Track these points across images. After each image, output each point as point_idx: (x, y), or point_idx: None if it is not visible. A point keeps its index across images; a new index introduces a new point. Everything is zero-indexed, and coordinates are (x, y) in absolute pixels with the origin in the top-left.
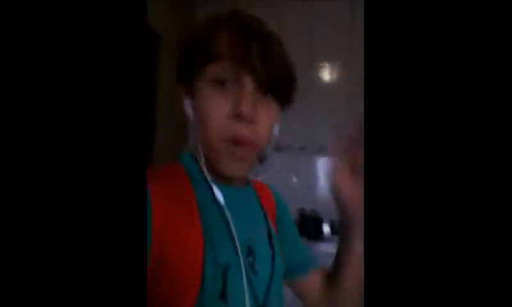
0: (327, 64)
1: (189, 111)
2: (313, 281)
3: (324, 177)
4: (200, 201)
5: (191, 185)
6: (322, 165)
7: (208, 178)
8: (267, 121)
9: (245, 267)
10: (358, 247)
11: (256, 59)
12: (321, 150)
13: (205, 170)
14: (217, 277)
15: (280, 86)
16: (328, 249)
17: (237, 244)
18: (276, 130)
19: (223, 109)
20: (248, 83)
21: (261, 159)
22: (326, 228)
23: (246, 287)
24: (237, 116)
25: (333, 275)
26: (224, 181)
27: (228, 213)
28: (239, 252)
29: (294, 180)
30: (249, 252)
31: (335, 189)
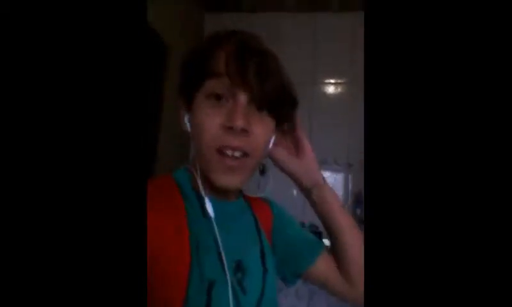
0: (331, 79)
1: (187, 125)
2: (323, 266)
3: None
4: (190, 216)
5: (182, 199)
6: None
7: (201, 190)
8: (261, 134)
9: (232, 283)
10: (338, 211)
11: (252, 78)
12: (324, 164)
13: (199, 182)
14: (201, 293)
15: (275, 103)
16: None
17: (224, 260)
18: (271, 143)
19: (216, 120)
20: (243, 99)
21: (262, 171)
22: (326, 242)
23: (231, 304)
24: (230, 128)
25: (334, 251)
26: (216, 195)
27: (215, 228)
28: (226, 268)
29: (294, 193)
30: (238, 268)
31: (277, 164)
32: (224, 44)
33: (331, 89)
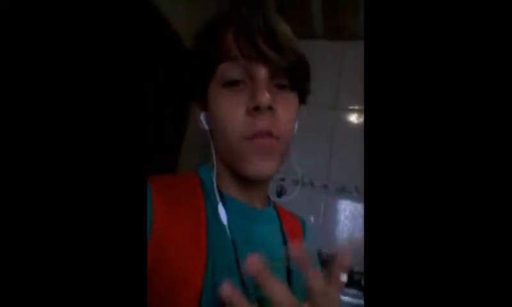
0: (355, 107)
1: (204, 123)
2: None
3: (344, 220)
4: (210, 216)
5: (203, 197)
6: (343, 208)
7: (215, 188)
8: (286, 113)
9: (250, 299)
10: None
11: (267, 50)
12: (342, 191)
13: (214, 182)
14: (215, 300)
15: (294, 74)
16: (342, 301)
17: (242, 275)
18: (296, 127)
19: (240, 106)
20: (261, 74)
21: (279, 193)
22: (343, 277)
23: None
24: (256, 109)
25: None
26: (243, 196)
27: (234, 233)
28: (245, 284)
29: (312, 219)
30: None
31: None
32: (229, 24)
33: (354, 116)
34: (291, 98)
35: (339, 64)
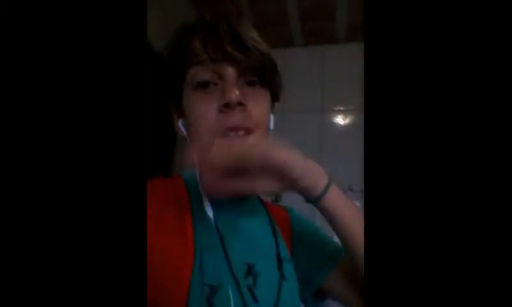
0: (340, 108)
1: (182, 129)
2: (336, 282)
3: None
4: (196, 215)
5: (188, 197)
6: None
7: (200, 188)
8: (258, 108)
9: (241, 289)
10: (349, 222)
11: (234, 51)
12: None
13: (198, 179)
14: (201, 300)
15: (262, 71)
16: None
17: (231, 262)
18: (271, 123)
19: (211, 105)
20: (230, 74)
21: (275, 200)
22: None
23: None
24: (226, 106)
25: (350, 265)
26: None
27: (218, 228)
28: (233, 270)
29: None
30: (249, 272)
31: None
32: (196, 31)
33: (340, 117)
34: (261, 93)
35: (320, 68)
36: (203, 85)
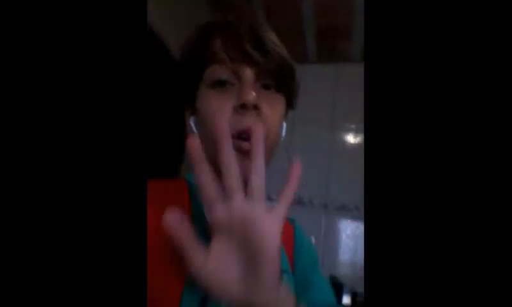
0: (351, 125)
1: (193, 127)
2: None
3: (345, 240)
4: (196, 221)
5: (189, 200)
6: (344, 227)
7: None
8: (273, 113)
9: None
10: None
11: (254, 52)
12: (343, 210)
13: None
14: (196, 302)
15: (280, 76)
16: None
17: None
18: (283, 131)
19: (227, 104)
20: (248, 75)
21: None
22: (346, 299)
23: None
24: (242, 107)
25: None
26: None
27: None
28: None
29: (312, 239)
30: None
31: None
32: (216, 30)
33: (351, 135)
34: (277, 98)
35: (333, 85)
36: (220, 83)
